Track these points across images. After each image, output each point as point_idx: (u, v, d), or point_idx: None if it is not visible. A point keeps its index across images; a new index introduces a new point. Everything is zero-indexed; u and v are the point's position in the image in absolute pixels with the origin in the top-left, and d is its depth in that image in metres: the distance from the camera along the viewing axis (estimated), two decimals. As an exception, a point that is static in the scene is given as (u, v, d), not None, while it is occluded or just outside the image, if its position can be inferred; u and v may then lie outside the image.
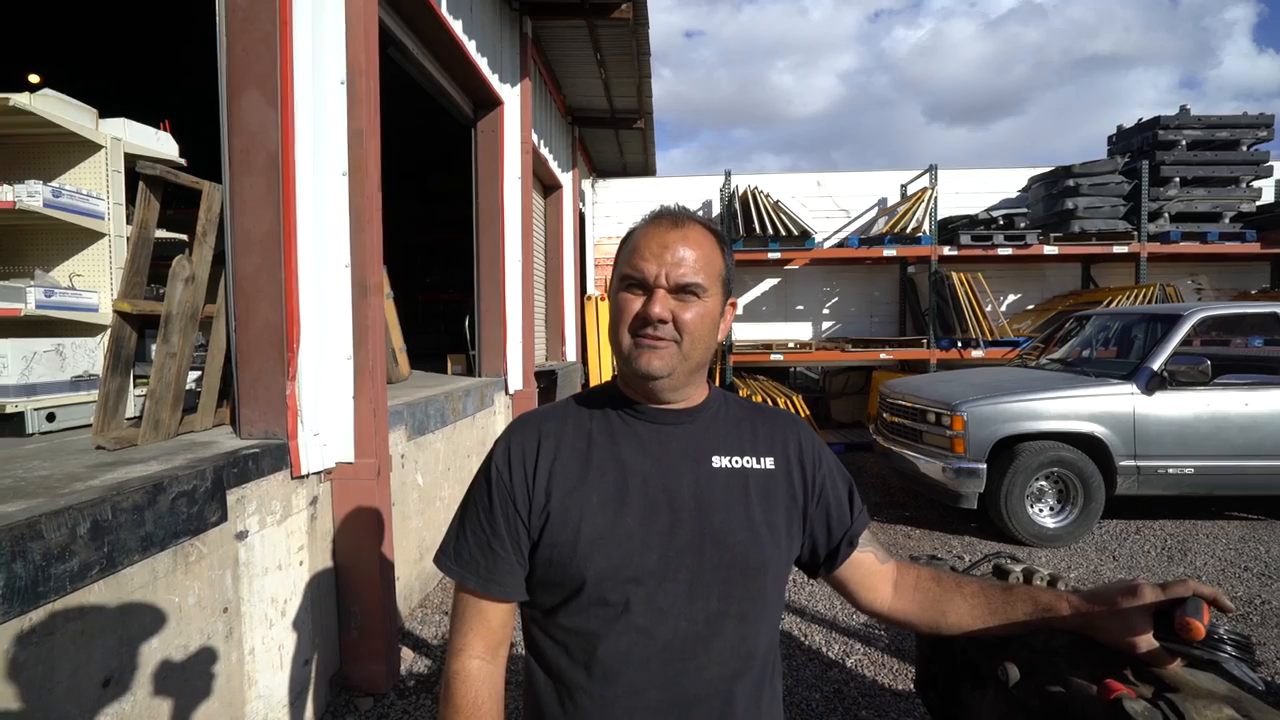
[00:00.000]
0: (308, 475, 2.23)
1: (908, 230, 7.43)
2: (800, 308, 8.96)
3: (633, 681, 0.84)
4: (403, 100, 4.86)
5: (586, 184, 8.96)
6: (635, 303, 0.88)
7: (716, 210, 8.62)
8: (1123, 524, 4.51)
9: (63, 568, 1.28)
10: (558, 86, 6.71)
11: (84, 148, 2.52)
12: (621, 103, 7.09)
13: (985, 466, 4.14)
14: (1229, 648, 0.86)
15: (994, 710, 1.04)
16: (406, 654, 2.74)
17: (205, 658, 1.72)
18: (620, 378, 0.98)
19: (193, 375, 2.31)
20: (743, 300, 8.86)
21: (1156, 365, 4.18)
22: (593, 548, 0.85)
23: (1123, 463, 4.12)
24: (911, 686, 2.49)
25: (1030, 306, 8.52)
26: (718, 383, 7.62)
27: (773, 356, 7.71)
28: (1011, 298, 8.68)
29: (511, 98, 4.87)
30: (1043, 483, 4.20)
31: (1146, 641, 0.88)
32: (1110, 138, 8.36)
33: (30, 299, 2.27)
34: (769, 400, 6.92)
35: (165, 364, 2.07)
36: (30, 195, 2.27)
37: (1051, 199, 7.49)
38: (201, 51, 2.45)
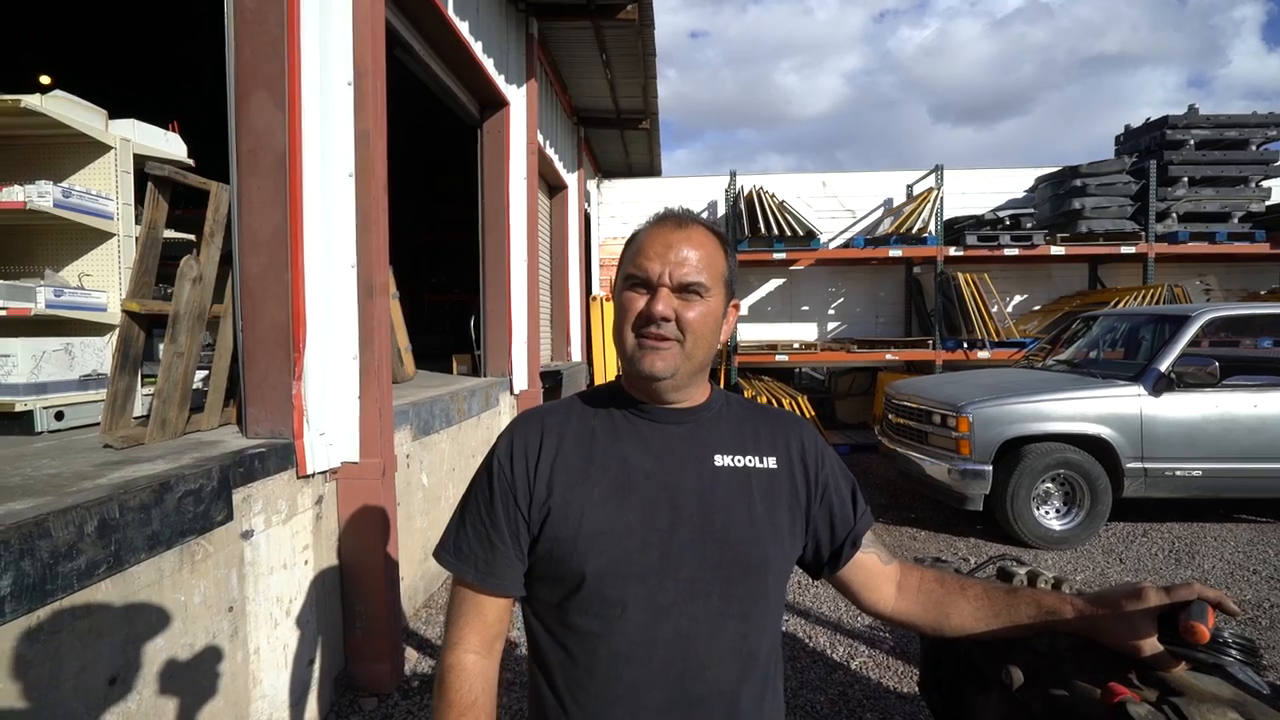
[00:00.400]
0: (313, 475, 2.24)
1: (913, 231, 7.41)
2: (805, 308, 8.95)
3: (634, 681, 0.84)
4: (409, 101, 4.89)
5: (592, 184, 8.97)
6: (639, 301, 0.89)
7: (722, 210, 8.62)
8: (1130, 526, 4.48)
9: (70, 566, 1.29)
10: (563, 87, 6.72)
11: (94, 148, 2.54)
12: (627, 103, 7.10)
13: (991, 468, 4.13)
14: (1234, 651, 0.86)
15: (998, 713, 1.03)
16: (411, 654, 2.75)
17: (210, 657, 1.73)
18: (624, 377, 0.99)
19: (200, 375, 2.33)
20: (748, 301, 8.85)
21: (1164, 366, 4.15)
22: (593, 543, 0.85)
23: (1130, 465, 4.10)
24: (916, 689, 2.48)
25: (1037, 307, 8.49)
26: (722, 383, 7.62)
27: (778, 357, 7.70)
28: (1018, 298, 8.64)
29: (517, 98, 4.88)
30: (1049, 485, 4.18)
31: (1151, 645, 0.88)
32: (1118, 137, 8.31)
33: (40, 298, 2.29)
34: (774, 401, 6.91)
35: (173, 363, 2.08)
36: (41, 196, 2.28)
37: (1058, 199, 7.46)
38: (210, 53, 2.46)
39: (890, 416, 5.08)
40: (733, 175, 8.25)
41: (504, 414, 4.67)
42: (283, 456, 2.09)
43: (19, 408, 2.14)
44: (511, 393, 4.82)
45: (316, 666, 2.26)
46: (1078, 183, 7.18)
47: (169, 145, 2.84)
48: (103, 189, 2.53)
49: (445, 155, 8.20)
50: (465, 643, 0.89)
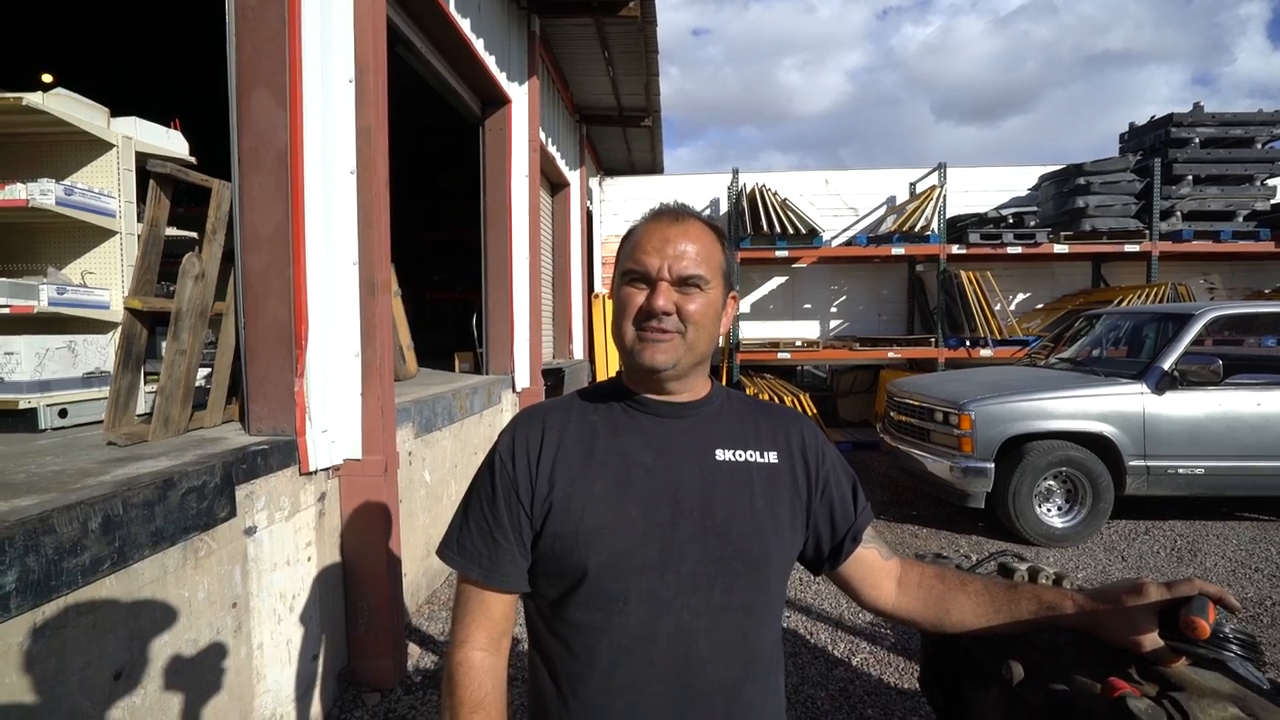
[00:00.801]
0: (316, 472, 2.25)
1: (916, 229, 7.39)
2: (808, 306, 8.94)
3: (635, 675, 0.84)
4: (411, 98, 4.88)
5: (594, 182, 8.97)
6: (639, 296, 0.89)
7: (724, 208, 8.61)
8: (1132, 524, 4.48)
9: (75, 562, 1.29)
10: (565, 84, 6.71)
11: (96, 146, 2.54)
12: (629, 100, 7.09)
13: (993, 466, 4.12)
14: (1235, 647, 0.86)
15: (998, 708, 1.03)
16: (413, 650, 2.76)
17: (214, 652, 1.74)
18: (624, 372, 0.99)
19: (202, 372, 2.33)
20: (750, 299, 8.85)
21: (1167, 365, 4.14)
22: (595, 538, 0.85)
23: (1132, 463, 4.10)
24: (916, 685, 2.49)
25: (1040, 305, 8.47)
26: (724, 380, 7.61)
27: (780, 355, 7.69)
28: (1021, 297, 8.62)
29: (519, 96, 4.88)
30: (1051, 482, 4.18)
31: (1151, 640, 0.88)
32: (1122, 135, 8.29)
33: (43, 296, 2.29)
34: (776, 398, 6.91)
35: (175, 361, 2.09)
36: (43, 194, 2.29)
37: (1062, 197, 7.44)
38: (212, 50, 2.47)
39: (892, 414, 5.08)
40: (735, 173, 8.24)
41: (506, 411, 4.67)
42: (285, 453, 2.10)
43: (23, 405, 2.15)
44: (514, 390, 4.82)
45: (320, 662, 2.27)
46: (1081, 181, 7.16)
47: (171, 143, 2.84)
48: (105, 187, 2.54)
49: (447, 153, 8.21)
50: (472, 640, 0.89)
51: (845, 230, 8.75)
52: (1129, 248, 7.20)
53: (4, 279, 2.29)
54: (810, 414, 7.19)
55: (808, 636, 2.95)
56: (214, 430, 2.25)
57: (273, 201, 2.15)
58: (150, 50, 6.12)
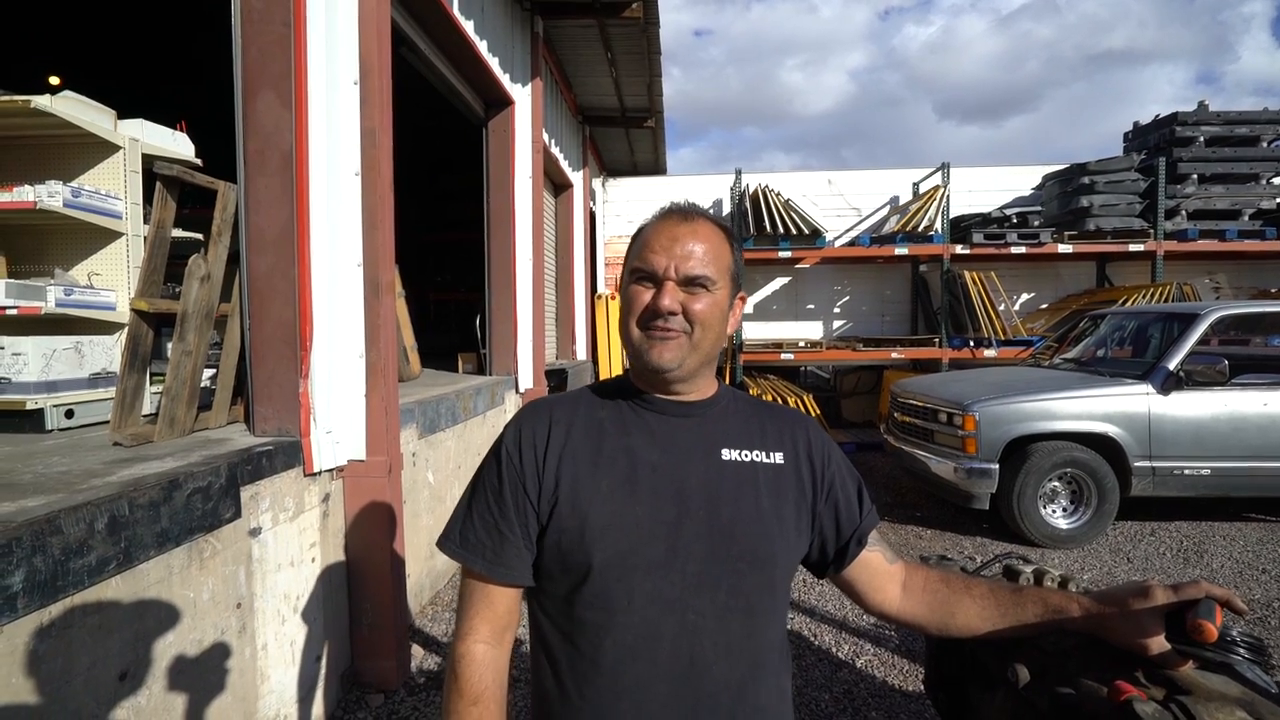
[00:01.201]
0: (320, 473, 2.26)
1: (920, 229, 7.37)
2: (811, 307, 8.93)
3: (640, 674, 0.84)
4: (415, 100, 4.90)
5: (597, 183, 8.97)
6: (645, 295, 0.89)
7: (727, 209, 8.60)
8: (1137, 525, 4.46)
9: (81, 562, 1.30)
10: (568, 85, 6.72)
11: (103, 148, 2.56)
12: (632, 101, 7.10)
13: (997, 467, 4.11)
14: (1242, 650, 0.85)
15: (1003, 711, 1.03)
16: (417, 651, 2.76)
17: (219, 653, 1.75)
18: (631, 370, 0.99)
19: (208, 373, 2.34)
20: (753, 299, 8.84)
21: (1173, 365, 4.13)
22: (600, 535, 0.85)
23: (1138, 463, 4.08)
24: (921, 687, 2.48)
25: (1044, 305, 8.45)
26: (728, 381, 7.61)
27: (783, 355, 7.68)
28: (1025, 297, 8.60)
29: (523, 97, 4.89)
30: (1056, 483, 4.16)
31: (1158, 643, 0.88)
32: (1126, 134, 8.26)
33: (50, 297, 2.31)
34: (780, 399, 6.90)
35: (181, 362, 2.09)
36: (50, 195, 2.30)
37: (1066, 197, 7.41)
38: (217, 52, 2.48)
39: (896, 415, 5.07)
40: (738, 173, 8.23)
41: (509, 412, 4.68)
42: (290, 454, 2.10)
43: (30, 405, 2.16)
44: (517, 391, 4.83)
45: (323, 663, 2.27)
46: (1086, 180, 7.13)
47: (177, 145, 2.85)
48: (111, 188, 2.55)
49: (451, 154, 8.23)
50: (475, 633, 0.88)
51: (848, 230, 8.74)
52: (1134, 247, 7.17)
53: (12, 280, 2.30)
54: (814, 415, 7.18)
55: (812, 638, 2.95)
56: (219, 431, 2.26)
57: (278, 203, 2.15)
58: (156, 52, 6.15)
